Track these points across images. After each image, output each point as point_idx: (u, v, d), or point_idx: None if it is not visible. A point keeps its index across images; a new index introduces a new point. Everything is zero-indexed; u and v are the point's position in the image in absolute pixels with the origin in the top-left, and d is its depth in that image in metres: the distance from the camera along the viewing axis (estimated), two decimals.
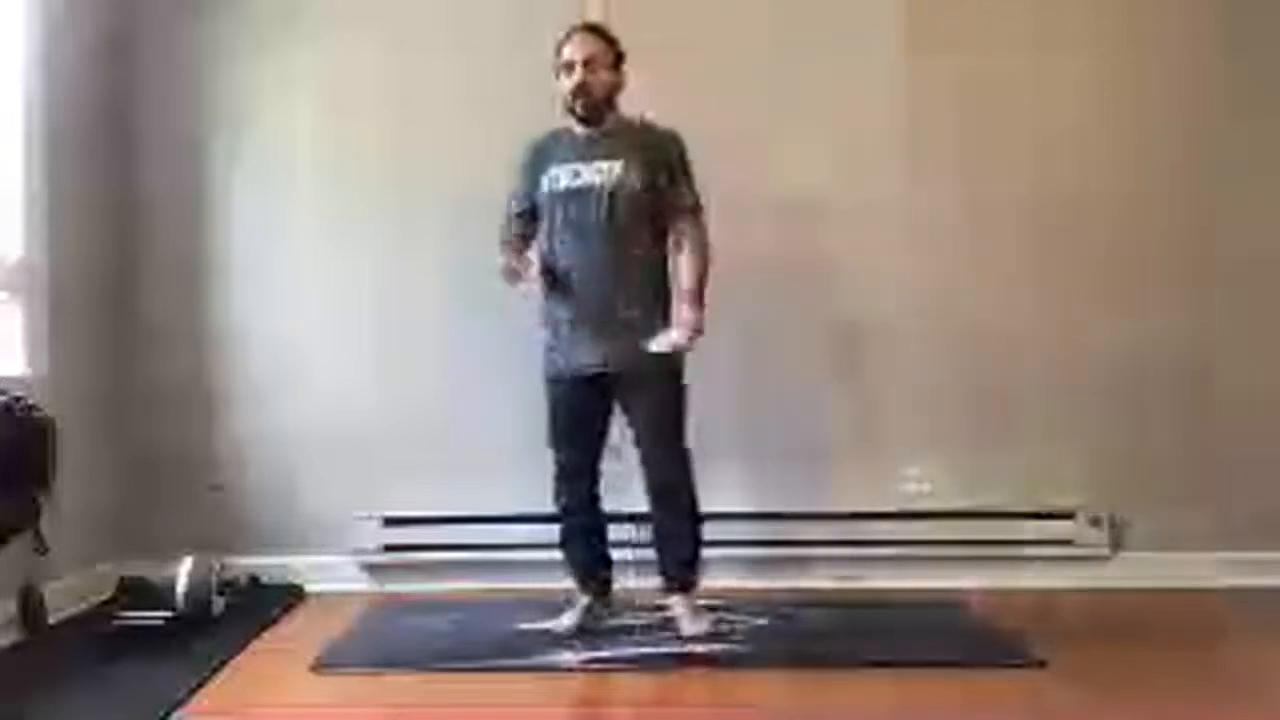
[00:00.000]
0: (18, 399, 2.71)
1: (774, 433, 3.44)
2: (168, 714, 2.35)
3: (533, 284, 2.82)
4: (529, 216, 2.88)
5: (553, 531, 2.95)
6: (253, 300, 3.55)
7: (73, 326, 3.28)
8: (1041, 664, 2.62)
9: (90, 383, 3.36)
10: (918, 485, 3.43)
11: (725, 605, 3.08)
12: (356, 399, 3.50)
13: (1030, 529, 3.37)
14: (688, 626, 2.83)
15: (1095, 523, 3.36)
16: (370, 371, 3.51)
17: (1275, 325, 3.41)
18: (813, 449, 3.44)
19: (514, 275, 2.76)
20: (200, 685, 2.53)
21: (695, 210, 2.83)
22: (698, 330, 2.75)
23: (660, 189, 2.79)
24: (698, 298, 2.78)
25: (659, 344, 2.75)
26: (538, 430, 2.90)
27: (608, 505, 2.94)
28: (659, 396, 2.81)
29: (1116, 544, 3.39)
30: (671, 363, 2.80)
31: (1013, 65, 3.45)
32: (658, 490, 2.83)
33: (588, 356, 2.78)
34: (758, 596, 3.22)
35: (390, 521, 3.44)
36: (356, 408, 3.50)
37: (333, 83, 3.53)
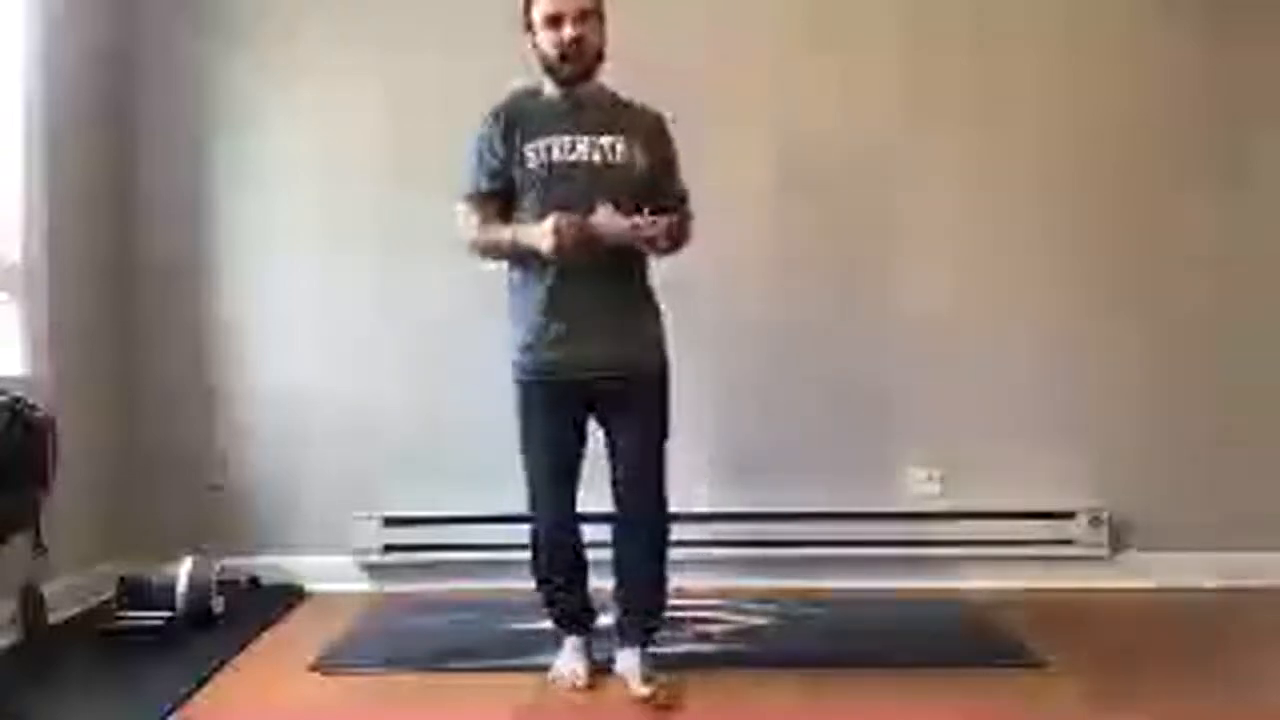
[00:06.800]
0: (18, 399, 2.71)
1: (774, 431, 3.44)
2: (168, 714, 2.35)
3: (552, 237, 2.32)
4: (502, 198, 2.50)
5: None
6: (252, 300, 3.54)
7: (73, 326, 3.27)
8: (1041, 664, 2.62)
9: (90, 383, 3.36)
10: (920, 485, 3.43)
11: (725, 605, 3.08)
12: (357, 399, 3.50)
13: (1030, 529, 3.37)
14: (639, 687, 2.45)
15: (1095, 523, 3.36)
16: (370, 372, 3.51)
17: (1275, 324, 3.41)
18: (813, 447, 3.44)
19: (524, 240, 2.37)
20: (200, 685, 2.53)
21: (685, 200, 2.56)
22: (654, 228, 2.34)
23: (657, 177, 2.51)
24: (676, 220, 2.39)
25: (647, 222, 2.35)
26: None
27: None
28: (654, 413, 2.53)
29: (1116, 544, 3.39)
30: (665, 369, 2.55)
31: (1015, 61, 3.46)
32: (636, 521, 2.54)
33: (579, 358, 2.45)
34: (757, 596, 3.22)
35: (390, 521, 3.43)
36: (356, 408, 3.50)
37: (333, 84, 3.52)
